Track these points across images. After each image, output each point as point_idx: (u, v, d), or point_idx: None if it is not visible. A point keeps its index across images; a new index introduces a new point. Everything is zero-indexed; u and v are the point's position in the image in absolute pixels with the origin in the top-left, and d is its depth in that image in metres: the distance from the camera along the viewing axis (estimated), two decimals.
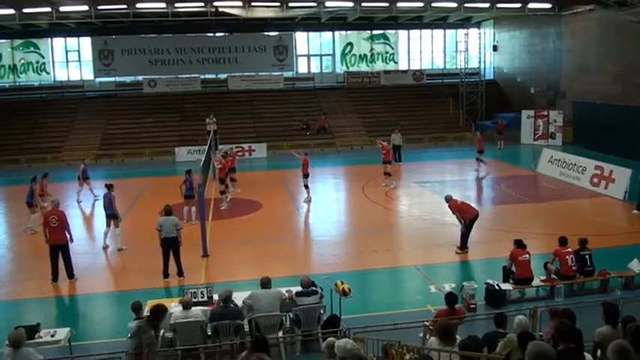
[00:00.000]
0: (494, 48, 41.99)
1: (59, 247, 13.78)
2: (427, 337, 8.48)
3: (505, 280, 11.91)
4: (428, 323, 8.72)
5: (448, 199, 15.13)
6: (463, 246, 14.77)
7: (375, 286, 13.21)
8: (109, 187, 16.74)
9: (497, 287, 11.54)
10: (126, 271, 15.07)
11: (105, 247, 16.51)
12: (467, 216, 14.69)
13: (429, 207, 20.17)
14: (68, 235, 13.91)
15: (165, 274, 13.67)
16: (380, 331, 8.55)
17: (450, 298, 9.24)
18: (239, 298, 9.91)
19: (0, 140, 34.54)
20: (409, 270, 14.04)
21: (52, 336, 9.49)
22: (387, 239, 16.81)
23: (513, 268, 11.84)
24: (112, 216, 16.38)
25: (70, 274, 13.91)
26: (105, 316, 12.45)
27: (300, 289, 10.03)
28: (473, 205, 15.85)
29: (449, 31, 43.47)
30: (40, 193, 19.67)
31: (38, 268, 14.50)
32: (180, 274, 13.71)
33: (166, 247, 13.57)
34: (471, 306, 11.05)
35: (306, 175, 21.36)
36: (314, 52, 43.84)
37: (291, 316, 10.03)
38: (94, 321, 12.11)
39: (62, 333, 9.62)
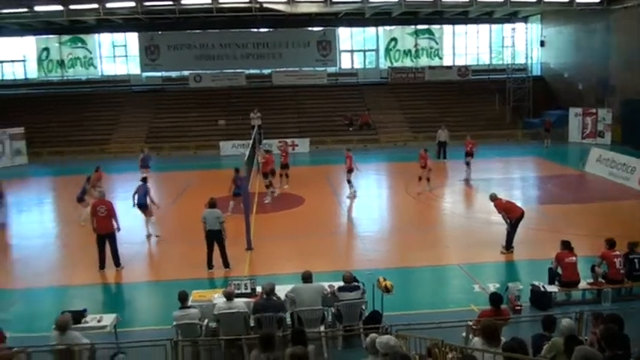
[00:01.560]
0: (542, 43, 41.02)
1: (106, 236, 14.12)
2: (470, 337, 8.39)
3: (551, 282, 11.60)
4: (471, 323, 8.62)
5: (493, 198, 14.86)
6: (508, 246, 14.52)
7: (418, 284, 13.13)
8: (144, 179, 17.60)
9: (542, 289, 11.27)
10: (171, 261, 15.33)
11: (148, 236, 16.90)
12: (512, 215, 14.42)
13: (474, 205, 19.94)
14: (115, 225, 14.24)
15: (209, 265, 13.87)
16: (422, 330, 8.49)
17: (495, 298, 9.09)
18: (281, 291, 9.97)
19: (48, 132, 35.70)
20: (453, 268, 13.89)
21: (99, 321, 9.69)
22: (431, 237, 16.66)
23: (559, 270, 11.55)
24: (142, 206, 16.75)
25: (117, 263, 14.25)
26: (150, 304, 12.75)
27: (342, 284, 10.04)
28: (518, 204, 15.54)
29: (495, 26, 42.77)
30: (93, 185, 20.18)
31: (86, 256, 14.85)
32: (225, 265, 13.89)
33: (210, 239, 13.78)
34: (516, 307, 10.85)
35: (349, 171, 21.35)
36: (357, 48, 43.71)
37: (333, 310, 10.04)
38: (140, 309, 12.43)
39: (108, 319, 9.82)
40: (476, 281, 12.73)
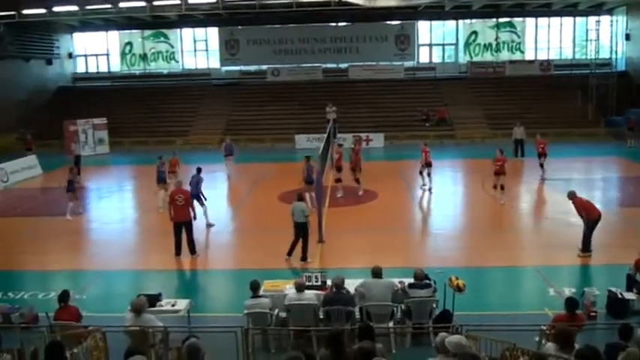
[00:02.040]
0: (627, 37, 38.70)
1: (183, 224, 14.55)
2: (543, 341, 8.16)
3: (629, 289, 11.01)
4: (545, 328, 8.38)
5: (572, 195, 14.18)
6: (586, 248, 13.91)
7: (491, 285, 12.86)
8: (199, 170, 18.12)
9: (620, 296, 10.74)
10: (244, 251, 15.73)
11: (209, 225, 17.33)
12: (590, 216, 13.83)
13: (551, 205, 19.26)
14: (192, 213, 14.68)
15: (289, 253, 14.14)
16: (493, 331, 8.33)
17: (572, 302, 8.78)
18: (351, 285, 10.00)
19: (131, 123, 37.28)
20: (528, 270, 13.52)
21: (173, 305, 10.05)
22: (506, 237, 16.27)
23: (638, 277, 11.01)
24: (195, 196, 17.06)
25: (193, 250, 14.65)
26: (222, 291, 13.12)
27: (413, 281, 9.98)
28: (598, 205, 14.87)
29: (579, 19, 40.89)
30: (171, 170, 20.96)
31: (162, 242, 15.36)
32: (303, 258, 14.03)
33: (297, 231, 14.07)
34: (592, 313, 10.43)
35: (427, 165, 21.34)
36: (436, 42, 43.05)
37: (403, 307, 10.00)
38: (212, 295, 12.81)
39: (182, 304, 10.16)
40: (551, 284, 12.32)
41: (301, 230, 14.00)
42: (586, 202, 14.09)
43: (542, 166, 23.29)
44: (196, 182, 17.62)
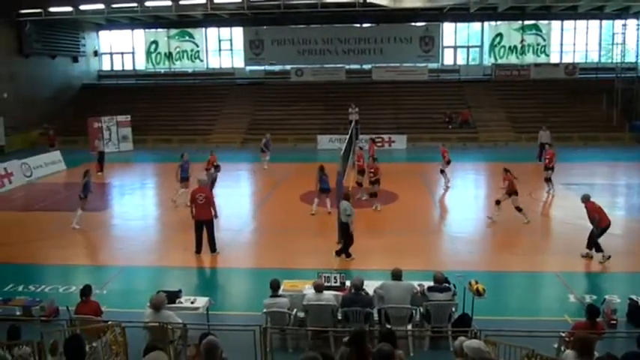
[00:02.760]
0: None
1: (204, 223, 14.68)
2: (562, 348, 8.09)
3: None
4: (564, 334, 8.30)
5: (586, 199, 14.15)
6: (598, 249, 13.82)
7: (511, 290, 12.75)
8: (217, 167, 19.32)
9: None
10: (264, 250, 15.80)
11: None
12: (600, 223, 13.74)
13: (574, 211, 18.86)
14: (213, 212, 14.77)
15: (338, 253, 14.30)
16: (512, 337, 8.27)
17: (593, 310, 8.69)
18: (370, 286, 10.00)
19: (155, 121, 37.66)
20: (548, 276, 13.39)
21: (192, 303, 10.13)
22: (527, 241, 16.10)
23: None
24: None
25: (213, 248, 14.78)
26: (242, 290, 13.19)
27: (432, 284, 9.95)
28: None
29: (605, 22, 40.44)
30: (207, 167, 21.32)
31: (183, 239, 15.48)
32: (347, 255, 14.23)
33: (340, 231, 14.31)
34: (612, 322, 10.30)
35: (448, 162, 21.99)
36: (461, 44, 42.80)
37: (422, 310, 9.98)
38: (232, 293, 12.88)
39: (201, 301, 10.23)
40: (572, 291, 12.20)
41: (343, 229, 14.24)
42: (598, 208, 13.98)
43: (548, 180, 21.40)
44: (213, 180, 18.77)
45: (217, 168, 19.99)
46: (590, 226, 14.00)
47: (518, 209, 17.56)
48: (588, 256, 14.03)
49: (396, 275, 9.95)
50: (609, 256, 13.78)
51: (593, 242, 13.92)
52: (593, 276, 13.48)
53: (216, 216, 14.87)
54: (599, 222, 13.76)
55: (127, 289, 12.76)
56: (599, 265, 13.72)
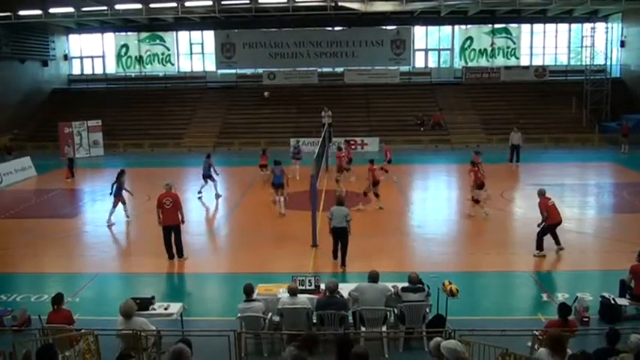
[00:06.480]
0: (622, 44, 38.99)
1: (171, 228, 14.45)
2: (535, 347, 8.18)
3: (622, 295, 11.06)
4: (537, 333, 8.40)
5: (541, 193, 14.59)
6: (539, 245, 14.31)
7: (485, 290, 12.87)
8: (208, 155, 21.72)
9: (612, 301, 10.76)
10: (237, 254, 15.68)
11: (218, 196, 21.52)
12: (550, 220, 14.09)
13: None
14: (180, 217, 14.56)
15: (334, 256, 14.04)
16: (486, 336, 8.34)
17: (564, 309, 8.79)
18: (345, 289, 10.01)
19: (126, 126, 37.23)
20: (521, 275, 13.51)
21: (166, 309, 9.99)
22: (500, 242, 16.25)
23: (632, 284, 11.00)
24: (207, 176, 21.46)
25: (180, 254, 14.58)
26: (216, 295, 13.09)
27: (407, 284, 9.98)
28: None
29: (574, 26, 41.37)
30: (263, 163, 23.05)
31: (156, 245, 15.19)
32: (342, 263, 13.87)
33: (336, 236, 13.86)
34: (584, 319, 10.46)
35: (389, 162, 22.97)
36: (432, 47, 43.18)
37: (396, 311, 10.00)
38: (206, 299, 12.75)
39: (175, 307, 10.09)
40: (544, 290, 12.36)
41: (341, 235, 13.78)
42: (551, 205, 14.27)
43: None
44: (208, 166, 21.33)
45: (208, 156, 22.11)
46: (567, 228, 14.24)
47: (476, 201, 18.10)
48: (560, 250, 14.38)
49: (374, 277, 9.96)
50: (544, 255, 14.24)
51: (538, 236, 14.31)
52: (566, 274, 13.68)
53: (183, 221, 14.65)
54: (547, 218, 14.16)
55: (99, 297, 12.56)
56: (572, 264, 13.98)
